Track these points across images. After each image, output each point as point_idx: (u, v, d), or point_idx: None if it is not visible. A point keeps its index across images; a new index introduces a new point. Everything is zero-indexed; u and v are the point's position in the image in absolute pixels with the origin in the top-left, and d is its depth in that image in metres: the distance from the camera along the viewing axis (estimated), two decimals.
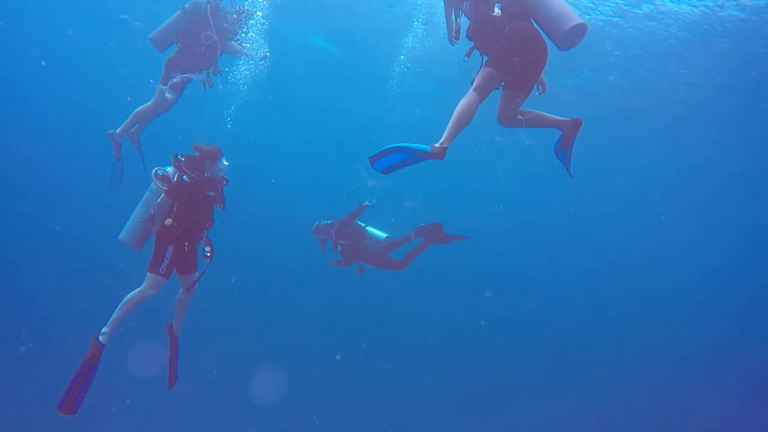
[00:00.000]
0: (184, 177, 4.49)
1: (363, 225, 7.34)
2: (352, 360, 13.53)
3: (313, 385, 12.58)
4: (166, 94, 6.16)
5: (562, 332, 15.34)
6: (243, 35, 6.85)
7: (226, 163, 4.73)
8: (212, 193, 4.65)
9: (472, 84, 3.83)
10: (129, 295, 4.46)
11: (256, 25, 8.03)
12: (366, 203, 7.09)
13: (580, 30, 3.43)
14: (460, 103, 3.76)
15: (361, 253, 7.07)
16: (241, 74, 9.12)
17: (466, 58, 3.95)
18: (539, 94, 4.25)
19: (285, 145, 18.54)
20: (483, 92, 3.75)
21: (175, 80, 6.18)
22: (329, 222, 7.29)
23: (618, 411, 12.71)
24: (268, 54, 6.72)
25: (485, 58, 3.85)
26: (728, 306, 16.72)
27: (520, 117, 3.96)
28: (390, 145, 3.88)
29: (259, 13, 6.82)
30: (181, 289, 5.04)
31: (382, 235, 7.28)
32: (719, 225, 17.33)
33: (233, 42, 6.54)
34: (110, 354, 4.31)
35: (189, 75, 6.22)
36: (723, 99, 12.82)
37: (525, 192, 18.76)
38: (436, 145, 3.74)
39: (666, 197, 17.45)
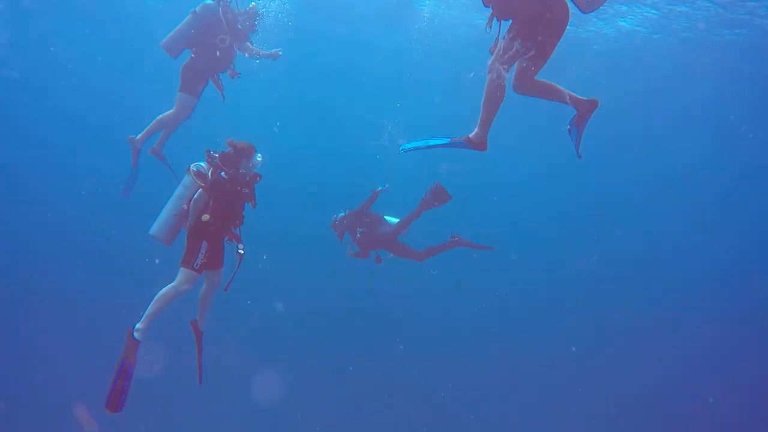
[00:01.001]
0: (222, 173, 4.48)
1: (381, 214, 7.36)
2: (355, 358, 13.49)
3: (315, 384, 12.51)
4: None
5: (565, 332, 15.35)
6: (258, 33, 6.80)
7: (260, 158, 4.74)
8: (246, 190, 4.65)
9: (490, 53, 3.63)
10: (162, 291, 4.45)
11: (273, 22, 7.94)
12: (379, 189, 7.09)
13: None
14: (486, 86, 3.56)
15: (379, 239, 7.06)
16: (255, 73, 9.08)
17: (488, 29, 3.64)
18: None
19: (299, 138, 18.33)
20: (506, 66, 3.55)
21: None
22: (346, 213, 7.32)
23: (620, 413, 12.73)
24: (280, 53, 6.64)
25: (503, 24, 3.63)
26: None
27: (536, 86, 3.73)
28: (428, 143, 3.89)
29: (261, 12, 6.75)
30: (205, 284, 5.03)
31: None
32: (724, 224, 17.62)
33: (247, 43, 6.48)
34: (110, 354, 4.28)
35: None
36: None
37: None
38: (471, 135, 3.66)
39: (669, 195, 17.72)
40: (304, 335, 13.77)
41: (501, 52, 3.52)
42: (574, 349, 13.60)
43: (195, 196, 4.52)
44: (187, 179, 4.67)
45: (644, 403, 13.05)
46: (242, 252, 4.60)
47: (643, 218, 18.66)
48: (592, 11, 3.47)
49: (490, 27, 3.60)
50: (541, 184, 18.85)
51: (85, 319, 11.51)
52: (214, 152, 4.69)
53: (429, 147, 3.91)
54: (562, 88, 3.77)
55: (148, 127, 6.45)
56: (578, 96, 3.77)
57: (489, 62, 3.59)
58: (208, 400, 11.10)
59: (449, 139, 3.81)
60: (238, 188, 4.58)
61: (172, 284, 4.46)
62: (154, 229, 4.68)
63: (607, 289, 17.09)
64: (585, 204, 18.92)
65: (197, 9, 6.12)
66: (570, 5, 3.46)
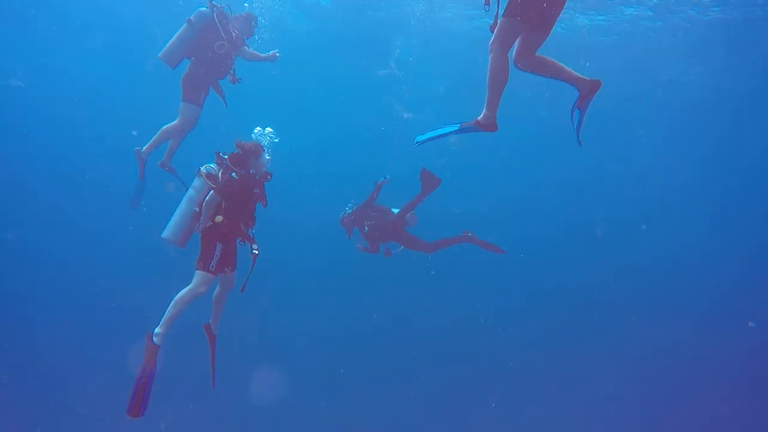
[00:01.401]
0: (233, 174, 4.47)
1: (387, 207, 7.34)
2: (355, 357, 13.49)
3: (316, 383, 12.50)
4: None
5: (565, 331, 15.26)
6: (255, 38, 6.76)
7: (268, 157, 4.74)
8: (257, 190, 4.65)
9: (491, 31, 3.56)
10: (179, 294, 4.45)
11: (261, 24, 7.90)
12: (381, 180, 7.04)
13: None
14: (489, 65, 3.51)
15: (387, 230, 7.05)
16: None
17: (487, 8, 3.56)
18: None
19: (301, 135, 18.26)
20: (507, 44, 3.50)
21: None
22: (354, 208, 7.31)
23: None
24: (278, 55, 6.58)
25: (501, 1, 3.52)
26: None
27: (537, 62, 3.65)
28: (440, 132, 3.89)
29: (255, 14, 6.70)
30: (218, 287, 5.02)
31: None
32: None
33: (245, 47, 6.44)
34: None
35: None
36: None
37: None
38: (480, 118, 3.63)
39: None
40: (305, 333, 13.79)
41: (499, 35, 3.46)
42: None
43: (207, 198, 4.52)
44: (197, 181, 4.68)
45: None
46: (257, 253, 4.57)
47: (642, 213, 18.53)
48: None
49: (488, 5, 3.54)
50: (542, 177, 18.76)
51: (102, 325, 11.60)
52: (223, 154, 4.70)
53: (441, 135, 3.90)
54: (564, 65, 3.69)
55: (153, 139, 6.43)
56: (580, 75, 3.68)
57: (490, 41, 3.53)
58: (212, 400, 11.15)
59: (459, 125, 3.80)
60: (251, 188, 4.59)
61: (188, 287, 4.45)
62: (167, 232, 4.69)
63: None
64: (586, 196, 18.83)
65: (192, 17, 6.09)
66: None
